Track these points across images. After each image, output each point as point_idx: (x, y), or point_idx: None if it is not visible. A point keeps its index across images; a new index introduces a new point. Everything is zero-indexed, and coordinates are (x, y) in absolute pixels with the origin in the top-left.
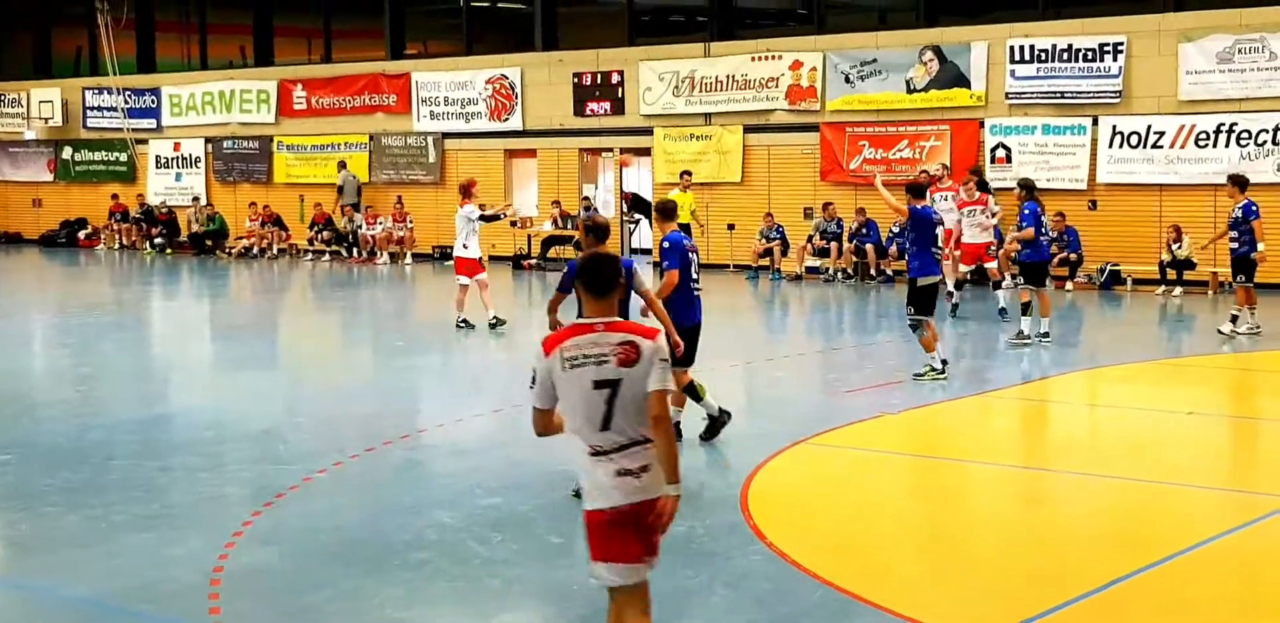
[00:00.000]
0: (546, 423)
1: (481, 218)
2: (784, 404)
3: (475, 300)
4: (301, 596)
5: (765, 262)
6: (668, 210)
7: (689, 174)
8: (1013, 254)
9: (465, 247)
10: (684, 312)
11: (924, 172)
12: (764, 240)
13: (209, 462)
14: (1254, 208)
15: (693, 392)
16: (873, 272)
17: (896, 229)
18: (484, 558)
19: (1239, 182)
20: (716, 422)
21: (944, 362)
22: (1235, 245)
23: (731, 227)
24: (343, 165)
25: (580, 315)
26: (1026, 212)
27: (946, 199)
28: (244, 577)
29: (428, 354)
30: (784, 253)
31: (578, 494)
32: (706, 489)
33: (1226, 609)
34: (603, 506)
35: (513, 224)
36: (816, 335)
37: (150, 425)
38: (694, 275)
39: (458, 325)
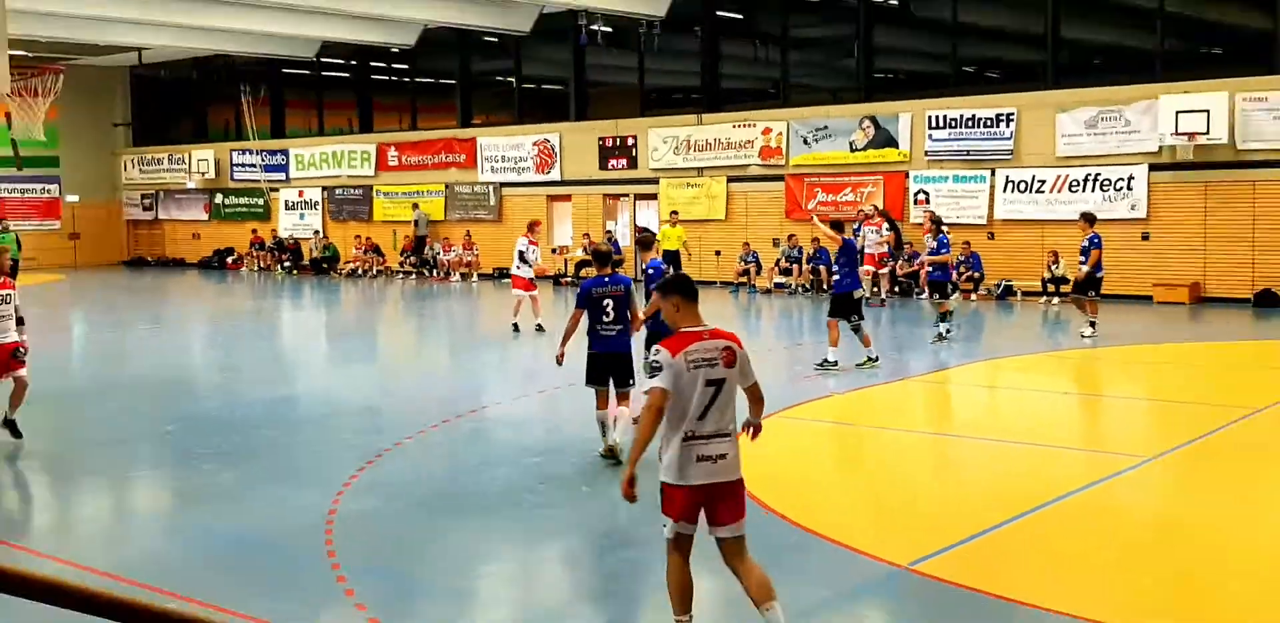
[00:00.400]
0: (663, 401)
1: (520, 256)
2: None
3: (527, 310)
4: (394, 533)
5: (744, 279)
6: (645, 242)
7: (676, 213)
8: (928, 270)
9: (518, 268)
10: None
11: (861, 210)
12: (743, 263)
13: (324, 432)
14: (1097, 239)
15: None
16: (825, 286)
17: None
18: (532, 503)
19: (1088, 218)
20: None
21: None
22: (1084, 267)
23: (718, 253)
24: (415, 207)
25: (652, 322)
26: (941, 241)
27: (876, 233)
28: (351, 519)
29: (489, 350)
30: (758, 272)
31: (606, 455)
32: None
33: (1091, 544)
34: (680, 483)
35: (553, 251)
36: (783, 335)
37: (280, 404)
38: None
39: (513, 327)
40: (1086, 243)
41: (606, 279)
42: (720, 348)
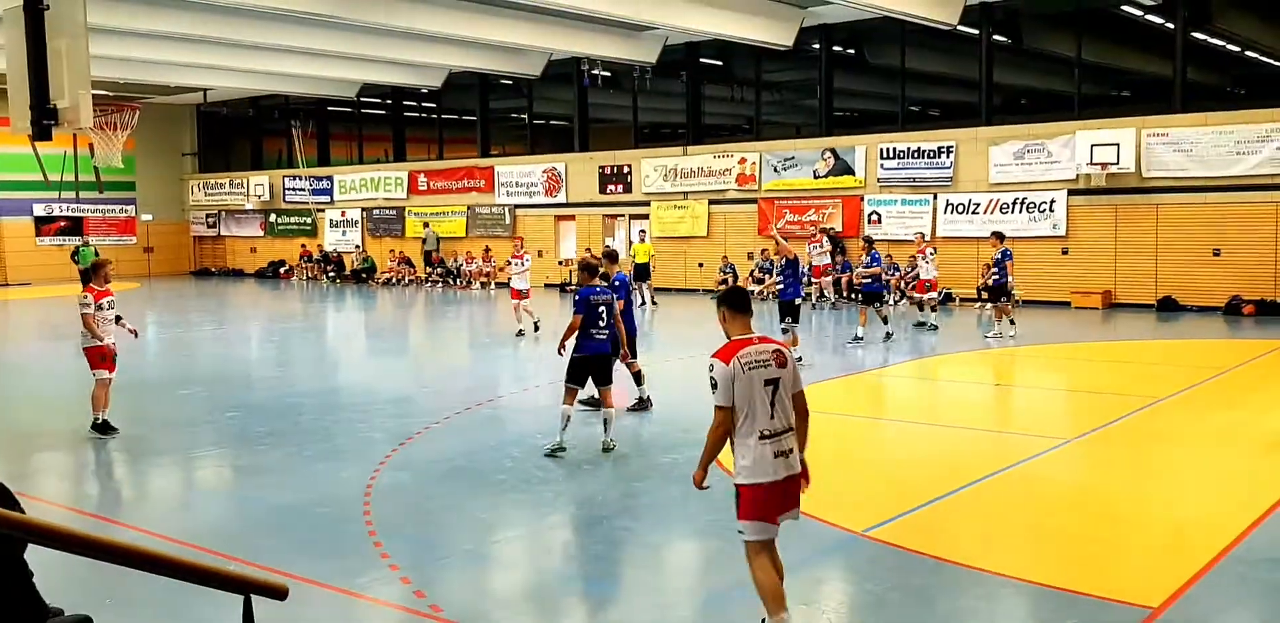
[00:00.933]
0: (730, 420)
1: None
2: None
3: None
4: (423, 503)
5: (722, 287)
6: (612, 257)
7: (644, 231)
8: (860, 284)
9: (509, 280)
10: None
11: (822, 229)
12: (721, 273)
13: (363, 416)
14: (1009, 253)
15: (637, 378)
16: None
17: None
18: (540, 478)
19: (998, 235)
20: (642, 402)
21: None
22: (996, 277)
23: (701, 265)
24: (426, 225)
25: (728, 333)
26: (873, 257)
27: (819, 248)
28: (386, 491)
29: (503, 347)
30: (734, 281)
31: (554, 451)
32: (686, 431)
33: (1018, 513)
34: (761, 480)
35: (560, 263)
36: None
37: (325, 393)
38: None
39: (517, 333)
40: (999, 256)
41: (598, 288)
42: (771, 350)
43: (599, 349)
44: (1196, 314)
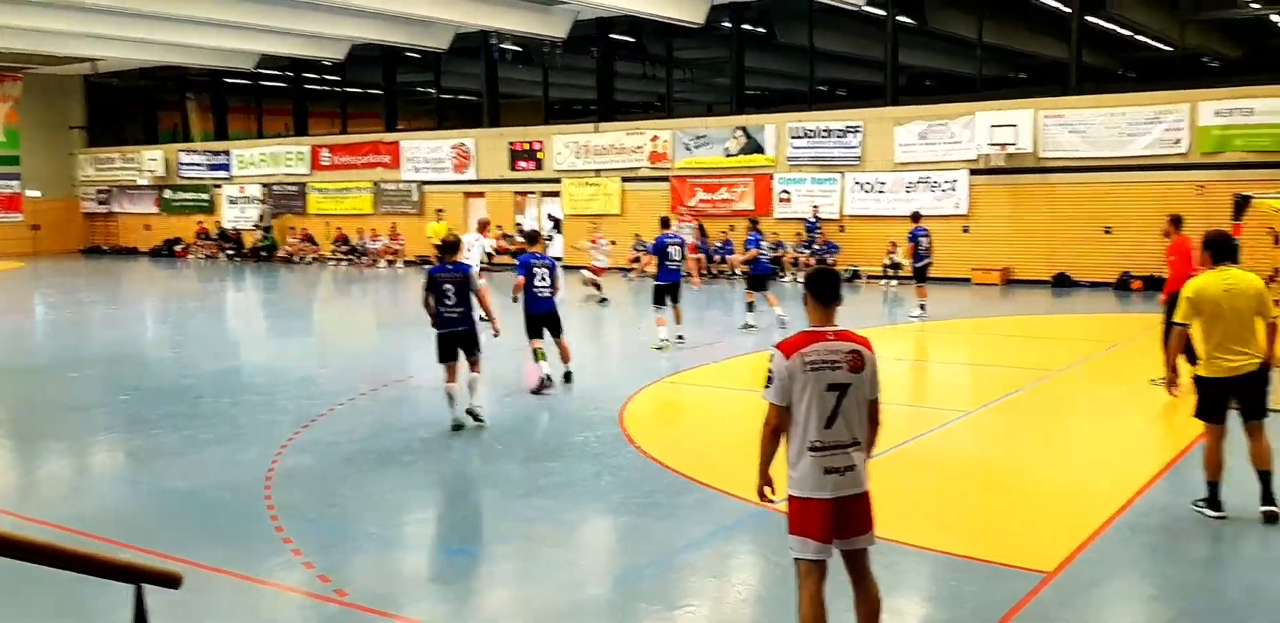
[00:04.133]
0: (783, 419)
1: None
2: (646, 357)
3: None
4: (327, 486)
5: (635, 265)
6: (532, 237)
7: (441, 211)
8: (739, 267)
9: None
10: (533, 303)
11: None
12: (634, 251)
13: (265, 398)
14: (917, 233)
15: (535, 355)
16: (708, 271)
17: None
18: (449, 459)
19: (914, 216)
20: (544, 383)
21: (680, 336)
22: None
23: (614, 242)
24: (263, 201)
25: (810, 324)
26: (752, 238)
27: (689, 227)
28: (288, 474)
29: (411, 326)
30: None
31: (457, 427)
32: (597, 412)
33: (920, 482)
34: (810, 495)
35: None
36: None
37: (224, 374)
38: (541, 282)
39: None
40: (911, 234)
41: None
42: (845, 351)
43: (449, 326)
44: (1089, 290)
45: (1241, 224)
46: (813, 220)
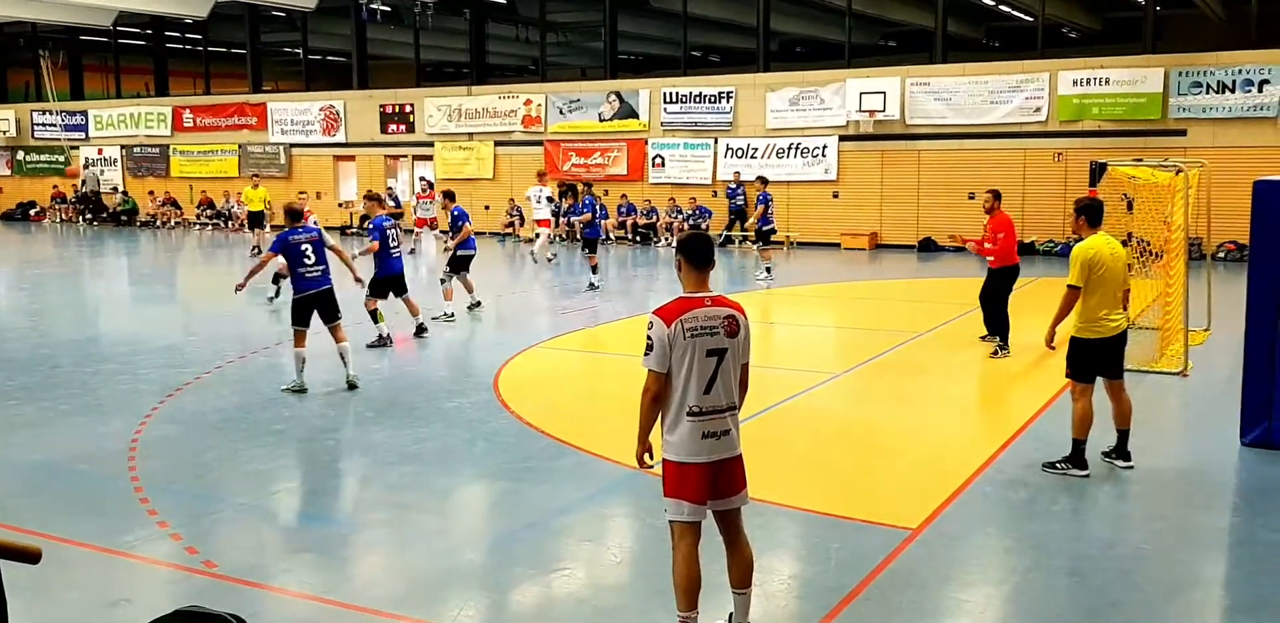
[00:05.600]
0: (663, 385)
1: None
2: (520, 322)
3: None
4: (193, 456)
5: (509, 230)
6: (376, 198)
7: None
8: (579, 230)
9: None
10: (386, 265)
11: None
12: (508, 216)
13: (127, 367)
14: (766, 196)
15: (374, 316)
16: (575, 236)
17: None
18: (320, 427)
19: (762, 180)
20: (382, 340)
21: (453, 313)
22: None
23: (487, 207)
24: (87, 165)
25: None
26: (586, 203)
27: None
28: (153, 445)
29: (281, 293)
30: (520, 224)
31: (295, 390)
32: (471, 377)
33: (791, 443)
34: (687, 460)
35: (340, 205)
36: (543, 278)
37: (83, 343)
38: (393, 243)
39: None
40: (759, 198)
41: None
42: (722, 316)
43: (311, 286)
44: (953, 254)
45: (1097, 190)
46: (734, 185)
